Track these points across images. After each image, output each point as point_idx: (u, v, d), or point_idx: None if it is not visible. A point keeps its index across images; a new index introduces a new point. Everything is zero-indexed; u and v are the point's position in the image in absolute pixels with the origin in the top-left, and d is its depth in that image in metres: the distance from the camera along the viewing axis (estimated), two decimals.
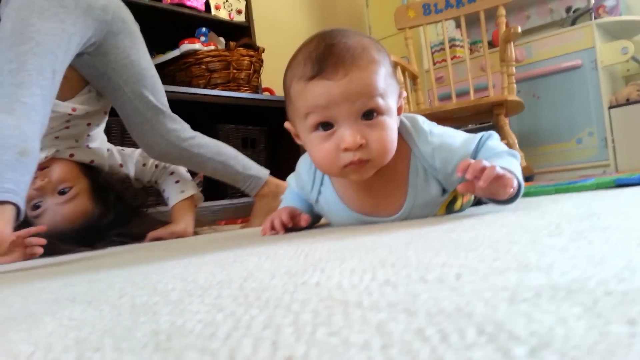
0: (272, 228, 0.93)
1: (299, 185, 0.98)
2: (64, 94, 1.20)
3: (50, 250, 1.10)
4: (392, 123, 0.78)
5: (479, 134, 0.85)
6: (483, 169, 0.67)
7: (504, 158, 0.77)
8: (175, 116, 1.36)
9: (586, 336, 0.19)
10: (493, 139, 0.85)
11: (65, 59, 1.07)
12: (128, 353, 0.24)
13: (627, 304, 0.23)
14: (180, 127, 1.36)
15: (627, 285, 0.26)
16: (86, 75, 1.27)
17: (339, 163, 0.77)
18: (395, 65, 0.94)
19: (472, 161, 0.68)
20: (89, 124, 1.34)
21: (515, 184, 0.71)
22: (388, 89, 0.78)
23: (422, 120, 0.87)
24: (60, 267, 0.79)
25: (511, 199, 0.74)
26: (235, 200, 2.13)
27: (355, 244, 0.57)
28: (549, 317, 0.22)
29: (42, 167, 1.22)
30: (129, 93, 1.27)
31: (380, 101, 0.75)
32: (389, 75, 0.79)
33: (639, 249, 0.35)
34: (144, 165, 1.46)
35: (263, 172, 1.48)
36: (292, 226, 0.93)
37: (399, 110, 0.83)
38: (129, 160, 1.45)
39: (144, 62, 1.31)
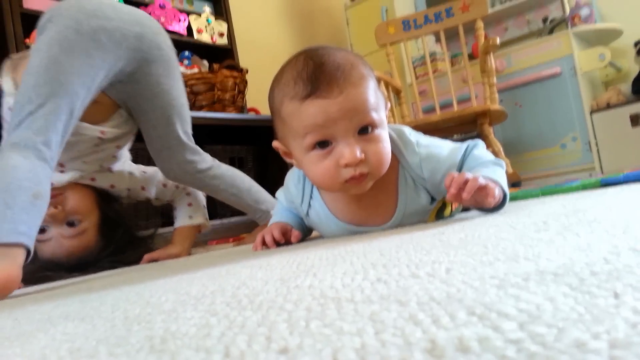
0: (264, 243, 0.93)
1: (288, 199, 0.99)
2: (95, 119, 1.19)
3: (41, 279, 1.09)
4: (385, 135, 0.80)
5: (465, 143, 0.86)
6: (466, 181, 0.69)
7: (489, 167, 0.79)
8: (196, 148, 1.35)
9: (574, 309, 0.20)
10: (479, 148, 0.86)
11: (88, 95, 1.06)
12: (123, 356, 0.24)
13: (612, 281, 0.23)
14: (199, 159, 1.35)
15: (613, 266, 0.26)
16: (117, 99, 1.24)
17: (340, 179, 0.77)
18: (378, 80, 0.95)
19: (456, 174, 0.71)
20: (118, 146, 1.32)
21: (497, 192, 0.73)
22: (379, 102, 0.79)
23: (409, 132, 0.88)
24: (52, 291, 0.78)
25: (497, 207, 0.76)
26: (225, 220, 2.12)
27: (347, 251, 0.57)
28: (537, 297, 0.23)
29: (57, 193, 1.19)
30: (154, 120, 1.26)
31: (374, 115, 0.77)
32: (377, 88, 0.81)
33: (625, 235, 0.36)
34: (165, 186, 1.45)
35: (273, 206, 1.48)
36: (283, 242, 0.93)
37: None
38: (151, 182, 1.44)
39: (175, 91, 1.28)
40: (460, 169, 0.83)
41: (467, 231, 0.57)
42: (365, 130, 0.76)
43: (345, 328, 0.22)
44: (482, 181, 0.70)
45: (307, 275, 0.42)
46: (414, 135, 0.88)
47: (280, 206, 1.04)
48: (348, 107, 0.74)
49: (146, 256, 1.30)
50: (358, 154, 0.75)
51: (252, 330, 0.24)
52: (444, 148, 0.86)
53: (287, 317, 0.26)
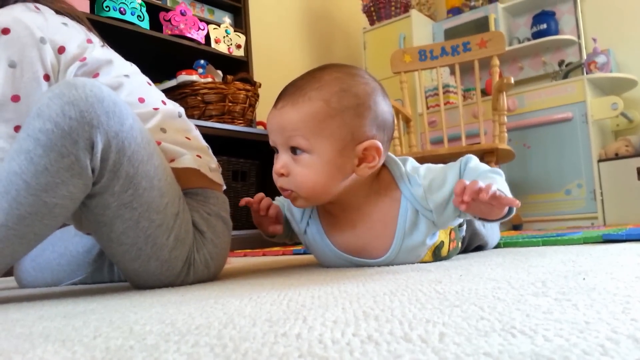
0: (251, 203, 0.92)
1: (289, 210, 0.97)
2: None
3: None
4: (319, 164, 0.78)
5: (457, 161, 0.86)
6: (479, 190, 0.70)
7: (489, 177, 0.79)
8: None
9: None
10: (472, 161, 0.86)
11: None
12: None
13: None
14: None
15: (610, 359, 0.25)
16: None
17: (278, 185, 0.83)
18: None
19: (467, 183, 0.71)
20: None
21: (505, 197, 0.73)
22: (323, 132, 0.77)
23: (410, 162, 0.88)
24: (38, 299, 0.77)
25: (502, 217, 0.77)
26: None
27: (340, 291, 0.56)
28: None
29: None
30: None
31: (300, 140, 0.77)
32: (332, 118, 0.77)
33: (624, 316, 0.35)
34: None
35: None
36: (268, 217, 0.92)
37: (363, 160, 0.80)
38: None
39: None
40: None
41: (464, 283, 0.56)
42: (294, 150, 0.79)
43: None
44: (496, 190, 0.71)
45: (297, 319, 0.41)
46: (414, 167, 0.87)
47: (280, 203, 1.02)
48: (280, 122, 0.79)
49: None
50: (279, 167, 0.80)
51: None
52: (441, 173, 0.85)
53: None
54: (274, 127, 0.80)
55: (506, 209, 0.75)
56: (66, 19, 0.87)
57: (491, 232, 1.12)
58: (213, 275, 0.86)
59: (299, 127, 0.77)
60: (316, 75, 0.81)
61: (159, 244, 0.74)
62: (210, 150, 0.95)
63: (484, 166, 0.85)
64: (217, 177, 0.91)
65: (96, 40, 0.90)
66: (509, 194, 0.76)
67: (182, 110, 0.96)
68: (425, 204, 0.83)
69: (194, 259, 0.80)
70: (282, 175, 0.80)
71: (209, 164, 0.89)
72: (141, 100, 0.87)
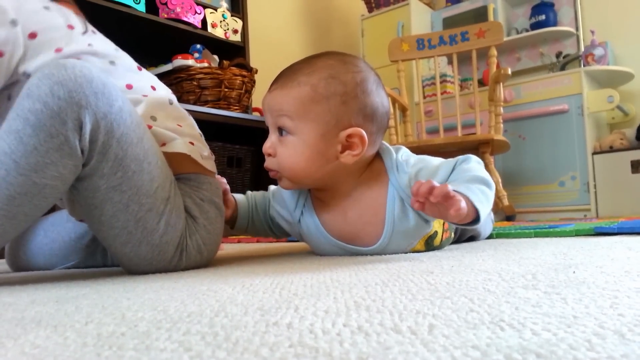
0: None
1: (279, 202, 0.98)
2: None
3: None
4: (300, 146, 0.81)
5: (455, 158, 0.85)
6: (432, 188, 0.66)
7: (472, 183, 0.76)
8: None
9: None
10: (470, 162, 0.84)
11: None
12: None
13: None
14: None
15: (596, 354, 0.26)
16: None
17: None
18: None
19: (423, 182, 0.68)
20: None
21: (463, 207, 0.67)
22: (307, 115, 0.80)
23: (403, 152, 0.88)
24: (31, 283, 0.77)
25: (472, 222, 0.72)
26: None
27: (332, 280, 0.56)
28: None
29: None
30: None
31: (286, 122, 0.81)
32: (317, 103, 0.79)
33: (612, 310, 0.35)
34: None
35: None
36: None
37: (347, 148, 0.81)
38: None
39: None
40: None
41: (455, 274, 0.57)
42: (281, 131, 0.82)
43: None
44: (450, 191, 0.66)
45: (289, 308, 0.41)
46: (405, 155, 0.87)
47: (261, 194, 1.05)
48: (269, 103, 0.83)
49: None
50: (266, 147, 0.84)
51: None
52: (432, 165, 0.85)
53: None
54: (265, 107, 0.85)
55: (465, 214, 0.68)
56: (49, 2, 0.85)
57: (484, 223, 1.12)
58: (206, 261, 0.86)
59: (285, 109, 0.81)
60: (311, 61, 0.83)
61: (149, 228, 0.74)
62: (203, 138, 0.94)
63: (478, 171, 0.81)
64: (210, 165, 0.90)
65: (79, 25, 0.87)
66: (483, 205, 0.72)
67: (174, 97, 0.95)
68: (409, 192, 0.83)
69: (186, 245, 0.80)
70: (269, 155, 0.84)
71: (201, 151, 0.88)
72: (129, 86, 0.86)
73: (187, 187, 0.84)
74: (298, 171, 0.82)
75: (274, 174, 0.86)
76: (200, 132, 0.96)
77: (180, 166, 0.84)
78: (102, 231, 0.75)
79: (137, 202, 0.73)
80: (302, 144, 0.80)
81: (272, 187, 1.02)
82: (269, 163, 0.85)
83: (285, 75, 0.83)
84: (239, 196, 1.04)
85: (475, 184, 0.76)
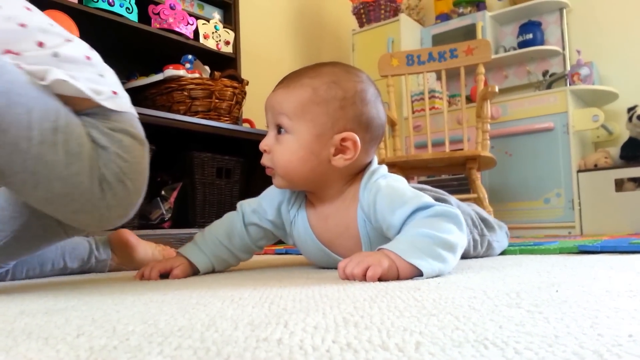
0: (142, 277, 0.90)
1: (253, 208, 0.96)
2: None
3: None
4: (295, 145, 0.83)
5: (417, 202, 0.79)
6: (352, 275, 0.71)
7: (419, 238, 0.73)
8: None
9: None
10: (426, 212, 0.78)
11: None
12: None
13: None
14: None
15: None
16: None
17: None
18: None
19: (346, 263, 0.73)
20: None
21: (377, 274, 0.68)
22: (305, 116, 0.83)
23: (381, 173, 0.88)
24: (17, 293, 0.77)
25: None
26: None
27: (321, 295, 0.57)
28: None
29: None
30: None
31: (285, 120, 0.84)
32: (316, 105, 0.82)
33: (592, 331, 0.36)
34: None
35: None
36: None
37: (340, 152, 0.83)
38: None
39: None
40: (400, 228, 0.79)
41: (441, 291, 0.58)
42: (280, 129, 0.85)
43: None
44: (359, 272, 0.70)
45: (278, 323, 0.42)
46: (381, 177, 0.87)
47: (217, 225, 0.99)
48: (271, 102, 0.86)
49: None
50: (263, 144, 0.86)
51: None
52: (396, 199, 0.81)
53: None
54: (267, 105, 0.87)
55: (412, 270, 0.70)
56: None
57: (485, 246, 1.10)
58: (134, 192, 0.82)
59: (285, 107, 0.84)
60: (317, 67, 0.87)
61: (50, 161, 0.71)
62: (110, 77, 0.86)
63: (441, 229, 0.75)
64: (113, 104, 0.82)
65: None
66: (453, 255, 0.74)
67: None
68: (370, 213, 0.84)
69: (103, 175, 0.77)
70: (265, 151, 0.87)
71: (95, 86, 0.81)
72: (23, 25, 0.78)
73: (92, 120, 0.79)
74: (290, 169, 0.85)
75: (269, 171, 0.88)
76: (111, 70, 0.88)
77: (77, 104, 0.78)
78: (12, 184, 0.72)
79: (25, 138, 0.69)
80: (297, 143, 0.83)
81: (246, 200, 1.00)
82: (264, 160, 0.88)
83: (291, 77, 0.86)
84: (192, 249, 0.96)
85: (422, 239, 0.73)
